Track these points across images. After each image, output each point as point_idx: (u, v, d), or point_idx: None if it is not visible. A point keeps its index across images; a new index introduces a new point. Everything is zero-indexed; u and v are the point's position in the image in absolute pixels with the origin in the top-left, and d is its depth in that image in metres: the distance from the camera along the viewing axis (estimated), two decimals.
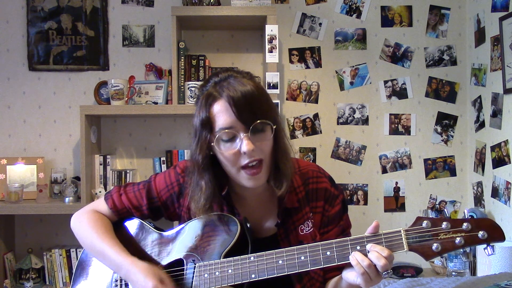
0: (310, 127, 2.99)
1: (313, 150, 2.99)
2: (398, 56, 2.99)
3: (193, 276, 1.23)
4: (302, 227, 1.30)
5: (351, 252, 1.11)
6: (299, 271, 1.15)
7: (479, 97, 2.82)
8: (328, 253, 1.13)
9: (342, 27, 2.99)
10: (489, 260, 2.30)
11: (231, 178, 1.26)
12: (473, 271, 2.56)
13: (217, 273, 1.20)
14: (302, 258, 1.15)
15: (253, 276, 1.17)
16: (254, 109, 1.18)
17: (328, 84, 2.99)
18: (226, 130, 1.18)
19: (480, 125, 2.81)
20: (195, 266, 1.24)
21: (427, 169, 3.00)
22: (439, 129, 2.99)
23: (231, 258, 1.21)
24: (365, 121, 2.99)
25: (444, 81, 2.99)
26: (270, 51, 2.65)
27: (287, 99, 2.98)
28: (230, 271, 1.19)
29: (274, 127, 1.21)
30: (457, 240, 1.06)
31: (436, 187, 3.00)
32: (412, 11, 2.99)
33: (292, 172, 1.28)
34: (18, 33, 2.91)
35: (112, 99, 2.69)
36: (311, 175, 1.35)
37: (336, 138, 2.99)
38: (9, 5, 2.90)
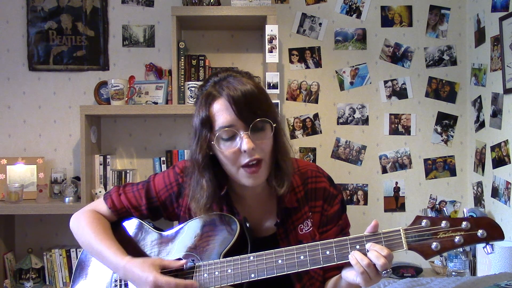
0: (310, 127, 2.99)
1: (313, 150, 2.99)
2: (398, 56, 2.99)
3: (192, 276, 1.23)
4: (301, 226, 1.31)
5: (351, 251, 1.11)
6: (299, 270, 1.15)
7: (479, 97, 2.82)
8: (328, 252, 1.13)
9: (342, 27, 2.99)
10: (489, 260, 2.30)
11: (231, 177, 1.26)
12: (473, 271, 2.56)
13: (216, 273, 1.20)
14: (302, 257, 1.15)
15: (252, 275, 1.17)
16: (254, 107, 1.18)
17: (328, 84, 2.99)
18: (226, 129, 1.18)
19: (480, 125, 2.81)
20: (194, 266, 1.24)
21: (427, 169, 2.99)
22: (439, 129, 2.99)
23: (230, 258, 1.20)
24: (365, 121, 2.99)
25: (444, 81, 2.99)
26: (270, 51, 2.65)
27: (287, 99, 2.98)
28: (229, 270, 1.19)
29: (274, 125, 1.21)
30: (457, 239, 1.06)
31: (436, 187, 2.99)
32: (412, 11, 2.99)
33: (292, 171, 1.28)
34: (18, 33, 2.91)
35: (112, 99, 2.69)
36: (310, 175, 1.35)
37: (336, 138, 2.99)
38: (9, 5, 2.90)
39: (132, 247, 1.35)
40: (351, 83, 2.99)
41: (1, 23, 2.90)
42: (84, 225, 1.36)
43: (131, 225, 1.40)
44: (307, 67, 2.99)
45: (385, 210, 2.99)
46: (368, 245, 1.10)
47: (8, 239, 2.80)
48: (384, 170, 2.99)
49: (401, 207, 2.99)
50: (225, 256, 1.22)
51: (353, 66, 2.98)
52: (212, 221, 1.27)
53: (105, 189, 2.70)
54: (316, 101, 2.98)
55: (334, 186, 1.36)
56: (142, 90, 2.77)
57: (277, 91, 2.64)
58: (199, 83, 2.66)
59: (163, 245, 1.33)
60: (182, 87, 2.71)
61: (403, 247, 1.08)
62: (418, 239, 1.08)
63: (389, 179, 2.99)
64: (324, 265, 1.14)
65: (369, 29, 2.99)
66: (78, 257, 1.43)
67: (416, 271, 2.66)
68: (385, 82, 2.99)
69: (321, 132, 2.99)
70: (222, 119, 1.18)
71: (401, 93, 2.99)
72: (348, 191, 2.98)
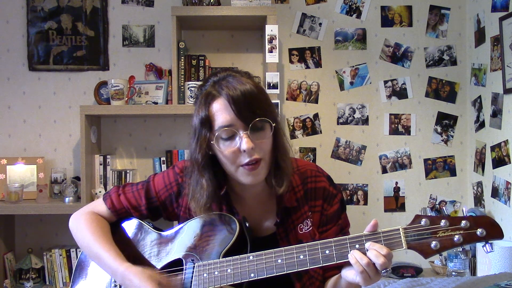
0: (310, 127, 2.99)
1: (313, 150, 2.99)
2: (398, 56, 2.99)
3: (192, 276, 1.23)
4: (301, 226, 1.30)
5: (350, 250, 1.11)
6: (298, 270, 1.15)
7: (479, 97, 2.82)
8: (327, 252, 1.13)
9: (342, 27, 2.99)
10: (489, 260, 2.30)
11: (230, 177, 1.26)
12: (473, 271, 2.56)
13: (216, 273, 1.20)
14: (301, 257, 1.15)
15: (252, 275, 1.17)
16: (254, 107, 1.18)
17: (328, 84, 2.99)
18: (226, 128, 1.18)
19: (480, 125, 2.81)
20: (194, 266, 1.24)
21: (427, 169, 2.99)
22: (439, 129, 2.99)
23: (230, 258, 1.20)
24: (365, 121, 2.99)
25: (444, 81, 2.99)
26: (270, 51, 2.65)
27: (287, 99, 2.98)
28: (229, 270, 1.19)
29: (274, 125, 1.21)
30: (456, 237, 1.05)
31: (436, 187, 2.99)
32: (412, 11, 2.99)
33: (291, 170, 1.28)
34: (18, 33, 2.91)
35: (112, 99, 2.69)
36: (310, 175, 1.35)
37: (336, 138, 2.99)
38: (9, 5, 2.90)
39: (131, 248, 1.34)
40: (351, 83, 2.99)
41: (1, 23, 2.90)
42: (83, 226, 1.35)
43: (130, 225, 1.40)
44: (307, 67, 2.99)
45: (385, 210, 2.99)
46: (367, 244, 1.10)
47: (8, 239, 2.80)
48: (384, 170, 2.99)
49: (401, 207, 2.99)
50: (225, 256, 1.22)
51: (353, 66, 2.98)
52: (211, 221, 1.27)
53: (105, 189, 2.70)
54: (316, 101, 2.98)
55: (333, 186, 1.36)
56: (142, 90, 2.77)
57: (277, 91, 2.64)
58: (199, 83, 2.65)
59: (162, 245, 1.32)
60: (182, 87, 2.72)
61: (403, 246, 1.08)
62: (417, 238, 1.08)
63: (389, 179, 2.99)
64: (323, 265, 1.14)
65: (369, 29, 2.99)
66: (78, 257, 1.43)
67: (416, 271, 2.66)
68: (385, 82, 2.99)
69: (321, 132, 2.99)
70: (222, 118, 1.18)
71: (401, 93, 2.99)
72: (348, 191, 2.98)
